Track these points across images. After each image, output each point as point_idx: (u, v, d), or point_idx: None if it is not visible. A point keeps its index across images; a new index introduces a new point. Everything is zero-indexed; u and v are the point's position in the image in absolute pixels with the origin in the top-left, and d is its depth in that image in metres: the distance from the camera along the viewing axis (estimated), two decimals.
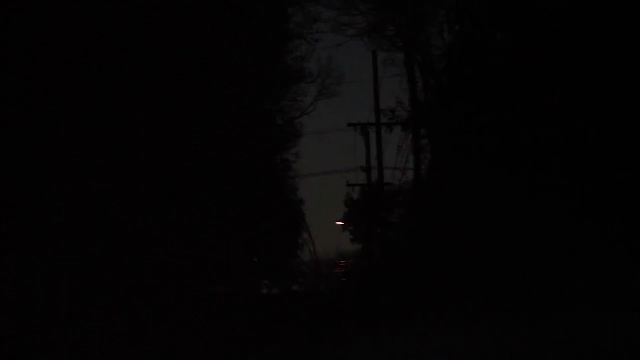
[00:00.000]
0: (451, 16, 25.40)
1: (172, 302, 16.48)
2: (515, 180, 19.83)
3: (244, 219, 19.90)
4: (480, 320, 18.07)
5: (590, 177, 18.29)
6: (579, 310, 16.45)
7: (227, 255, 19.07)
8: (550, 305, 17.38)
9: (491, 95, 20.51)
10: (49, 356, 13.93)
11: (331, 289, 43.71)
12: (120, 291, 15.28)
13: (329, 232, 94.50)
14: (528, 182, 19.46)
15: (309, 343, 18.36)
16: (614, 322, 14.92)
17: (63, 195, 14.78)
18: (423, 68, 27.58)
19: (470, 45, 22.48)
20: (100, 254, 15.05)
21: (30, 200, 14.54)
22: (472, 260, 20.20)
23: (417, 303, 21.28)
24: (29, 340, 13.83)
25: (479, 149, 20.67)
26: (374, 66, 36.68)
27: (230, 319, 19.29)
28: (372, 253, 35.89)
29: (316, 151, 73.28)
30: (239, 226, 19.67)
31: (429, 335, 17.63)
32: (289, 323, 21.39)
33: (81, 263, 14.79)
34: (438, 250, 21.96)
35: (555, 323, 16.39)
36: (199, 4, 17.55)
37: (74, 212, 14.88)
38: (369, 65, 48.21)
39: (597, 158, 18.35)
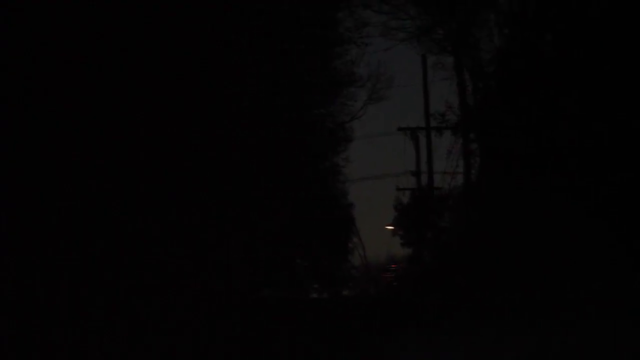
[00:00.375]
0: (500, 19, 25.39)
1: (172, 302, 16.47)
2: (528, 183, 19.84)
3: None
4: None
5: (606, 179, 18.27)
6: (579, 310, 16.47)
7: (227, 255, 19.05)
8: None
9: (538, 99, 20.52)
10: (49, 356, 13.93)
11: (381, 293, 43.52)
12: (120, 291, 15.27)
13: (379, 236, 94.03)
14: (540, 185, 19.46)
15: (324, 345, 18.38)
16: (613, 323, 14.92)
17: (63, 195, 14.76)
18: (472, 71, 27.54)
19: (519, 48, 22.48)
20: (100, 254, 15.04)
21: (30, 200, 14.53)
22: (515, 262, 20.23)
23: (468, 306, 21.33)
24: (29, 340, 13.82)
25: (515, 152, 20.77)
26: (423, 70, 36.65)
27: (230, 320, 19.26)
28: (422, 257, 35.82)
29: (366, 155, 72.39)
30: (240, 226, 19.65)
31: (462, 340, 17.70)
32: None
33: (81, 263, 14.78)
34: (487, 254, 21.98)
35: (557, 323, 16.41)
36: (199, 4, 17.54)
37: (74, 212, 14.87)
38: (418, 68, 47.96)
39: (612, 159, 18.32)
